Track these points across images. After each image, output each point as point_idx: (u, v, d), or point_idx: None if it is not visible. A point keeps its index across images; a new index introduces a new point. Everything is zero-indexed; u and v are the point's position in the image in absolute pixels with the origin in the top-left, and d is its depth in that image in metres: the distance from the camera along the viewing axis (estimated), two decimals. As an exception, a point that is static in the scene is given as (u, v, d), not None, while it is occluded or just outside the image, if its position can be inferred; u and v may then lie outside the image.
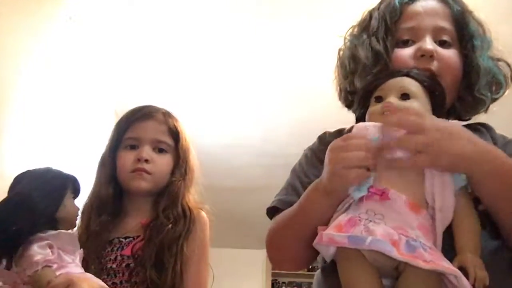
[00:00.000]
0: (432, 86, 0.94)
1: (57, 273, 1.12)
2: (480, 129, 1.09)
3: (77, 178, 1.32)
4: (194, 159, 1.50)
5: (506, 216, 0.87)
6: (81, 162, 2.77)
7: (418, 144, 0.82)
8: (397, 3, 1.09)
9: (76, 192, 1.28)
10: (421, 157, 0.81)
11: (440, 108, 0.94)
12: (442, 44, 1.06)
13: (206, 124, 3.66)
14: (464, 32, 1.07)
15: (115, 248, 1.35)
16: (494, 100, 1.09)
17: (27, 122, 2.46)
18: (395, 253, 0.74)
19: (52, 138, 2.66)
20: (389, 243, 0.75)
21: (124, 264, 1.32)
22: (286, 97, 3.39)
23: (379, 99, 0.92)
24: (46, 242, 1.15)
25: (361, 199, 0.84)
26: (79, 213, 1.29)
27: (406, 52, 1.05)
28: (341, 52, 1.15)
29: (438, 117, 0.92)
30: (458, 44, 1.07)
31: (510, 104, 1.16)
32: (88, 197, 1.43)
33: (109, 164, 1.43)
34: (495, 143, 1.03)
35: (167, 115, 1.47)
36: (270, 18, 2.69)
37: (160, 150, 1.42)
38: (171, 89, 3.25)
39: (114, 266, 1.32)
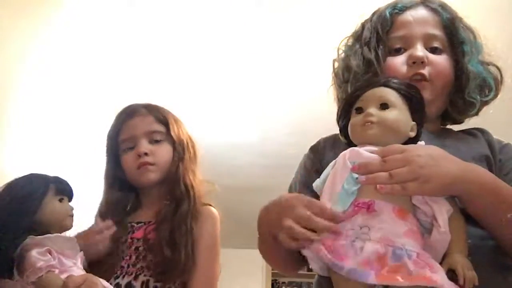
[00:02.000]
0: (409, 93, 0.96)
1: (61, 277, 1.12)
2: (475, 133, 1.11)
3: (61, 179, 1.31)
4: (190, 136, 1.52)
5: (496, 229, 0.90)
6: (81, 162, 2.77)
7: (406, 175, 0.84)
8: (387, 14, 1.12)
9: (62, 192, 1.28)
10: (409, 185, 0.83)
11: (419, 114, 0.97)
12: (434, 50, 1.09)
13: (206, 124, 3.66)
14: (454, 39, 1.10)
15: (126, 232, 1.38)
16: (484, 103, 1.11)
17: (27, 122, 2.46)
18: (372, 278, 0.76)
19: (52, 138, 2.67)
20: (367, 269, 0.77)
21: (133, 247, 1.35)
22: (286, 97, 3.39)
23: (360, 110, 0.95)
24: (45, 248, 1.15)
25: (348, 213, 0.85)
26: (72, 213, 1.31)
27: (398, 60, 1.08)
28: (336, 63, 1.18)
29: (420, 122, 0.96)
30: (449, 50, 1.10)
31: (506, 108, 1.17)
32: (101, 204, 1.47)
33: (112, 171, 1.47)
34: (491, 147, 1.06)
35: (149, 107, 1.49)
36: (271, 18, 2.69)
37: (156, 141, 1.44)
38: (171, 89, 3.25)
39: (123, 248, 1.35)
